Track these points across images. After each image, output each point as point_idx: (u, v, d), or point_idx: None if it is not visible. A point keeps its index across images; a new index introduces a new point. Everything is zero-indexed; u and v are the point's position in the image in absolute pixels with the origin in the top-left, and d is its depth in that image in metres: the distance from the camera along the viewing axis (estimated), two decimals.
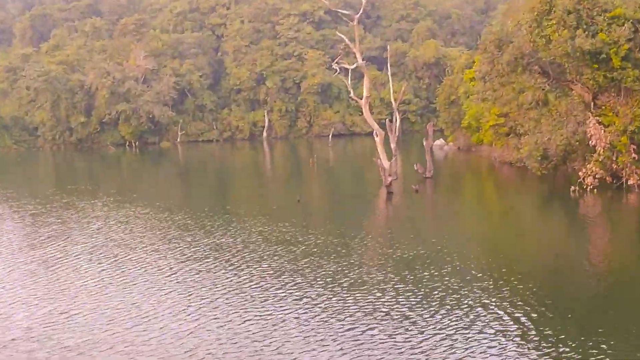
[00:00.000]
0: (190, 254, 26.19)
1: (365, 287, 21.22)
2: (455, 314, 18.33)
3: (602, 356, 15.14)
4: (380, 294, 20.38)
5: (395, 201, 41.32)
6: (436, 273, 22.70)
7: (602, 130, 38.64)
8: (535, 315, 18.05)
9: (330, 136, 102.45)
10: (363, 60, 49.59)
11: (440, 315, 18.22)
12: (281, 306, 19.15)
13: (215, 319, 18.29)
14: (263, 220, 34.30)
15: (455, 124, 78.79)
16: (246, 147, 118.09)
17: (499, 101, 57.16)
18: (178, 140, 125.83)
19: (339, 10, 56.68)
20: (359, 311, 18.67)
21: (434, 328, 17.23)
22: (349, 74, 51.91)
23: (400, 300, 19.75)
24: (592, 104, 40.41)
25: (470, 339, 16.31)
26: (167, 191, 50.80)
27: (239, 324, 17.80)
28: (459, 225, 32.38)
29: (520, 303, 18.98)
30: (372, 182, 50.86)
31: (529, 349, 15.74)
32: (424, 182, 49.55)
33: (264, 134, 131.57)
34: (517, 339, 16.37)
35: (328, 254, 25.13)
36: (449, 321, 17.73)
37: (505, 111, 57.94)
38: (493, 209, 37.37)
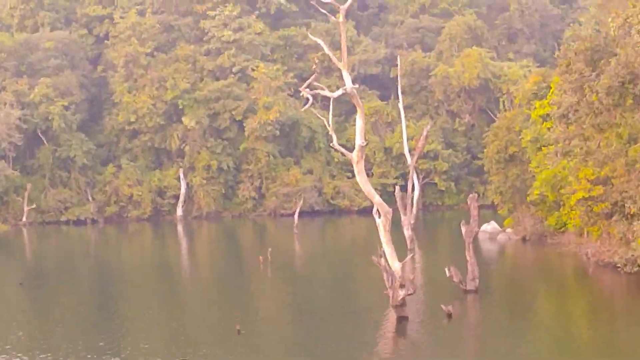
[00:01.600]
0: None
1: None
2: None
3: None
4: None
5: (412, 335, 40.93)
6: None
7: None
8: None
9: (296, 215, 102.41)
10: (355, 82, 50.15)
11: None
12: None
13: None
14: None
15: (517, 197, 79.33)
16: (146, 233, 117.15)
17: (593, 157, 57.77)
18: (24, 219, 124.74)
19: None
20: None
21: None
22: (331, 106, 52.00)
23: None
24: None
25: None
26: None
27: None
28: None
29: None
30: (371, 300, 50.24)
31: None
32: (462, 299, 49.22)
33: (179, 209, 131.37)
34: None
35: None
36: None
37: (605, 175, 58.44)
38: (586, 352, 37.05)
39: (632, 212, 52.12)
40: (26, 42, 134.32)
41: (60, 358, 36.63)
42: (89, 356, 37.01)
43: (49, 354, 37.41)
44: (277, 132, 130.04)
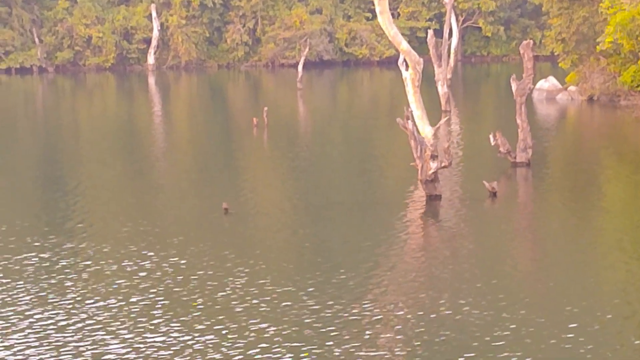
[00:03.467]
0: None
1: None
2: None
3: None
4: None
5: (444, 219, 41.26)
6: None
7: None
8: None
9: (300, 66, 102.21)
10: None
11: None
12: None
13: None
14: (144, 258, 34.28)
15: (585, 45, 79.13)
16: (109, 86, 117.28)
17: None
18: None
19: None
20: None
21: None
22: None
23: None
24: None
25: None
26: None
27: None
28: (584, 281, 32.12)
29: None
30: (394, 173, 50.86)
31: None
32: (511, 174, 49.68)
33: (150, 57, 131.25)
34: None
35: None
36: None
37: None
38: None
39: None
40: None
41: (9, 246, 37.04)
42: (42, 241, 37.38)
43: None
44: None
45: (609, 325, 26.22)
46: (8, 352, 24.67)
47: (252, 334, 25.44)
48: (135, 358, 24.10)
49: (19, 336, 25.88)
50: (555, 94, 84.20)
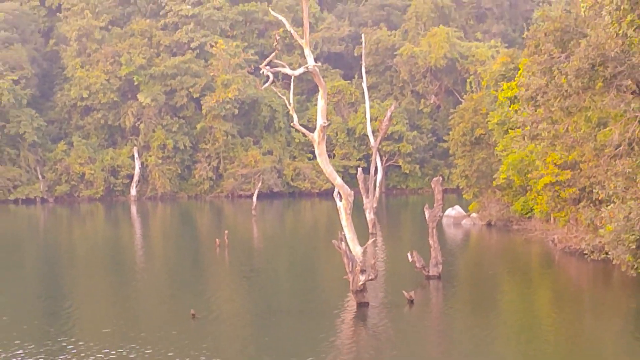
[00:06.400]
0: None
1: None
2: None
3: None
4: None
5: (372, 322, 40.98)
6: None
7: None
8: None
9: (254, 197, 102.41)
10: (317, 60, 50.06)
11: None
12: None
13: None
14: (125, 357, 33.76)
15: (483, 181, 79.87)
16: (98, 213, 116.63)
17: (561, 141, 58.13)
18: None
19: None
20: None
21: None
22: (292, 84, 52.00)
23: None
24: None
25: None
26: None
27: None
28: None
29: None
30: (331, 285, 50.38)
31: None
32: (425, 285, 49.38)
33: (132, 190, 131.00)
34: None
35: None
36: None
37: (572, 160, 58.88)
38: (549, 340, 37.29)
39: (600, 198, 52.38)
40: None
41: (12, 345, 36.37)
42: (37, 343, 36.79)
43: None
44: (236, 111, 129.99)
45: None
46: None
47: None
48: None
49: None
50: (461, 219, 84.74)
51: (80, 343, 36.36)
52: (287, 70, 49.09)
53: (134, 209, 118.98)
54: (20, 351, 34.85)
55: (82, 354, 34.34)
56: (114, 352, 34.39)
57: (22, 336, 37.95)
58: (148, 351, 34.50)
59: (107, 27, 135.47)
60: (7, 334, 38.37)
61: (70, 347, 35.76)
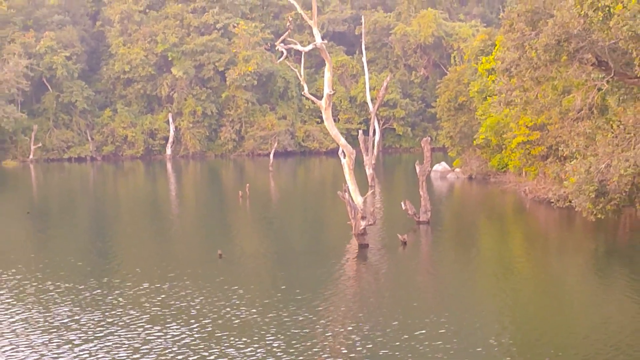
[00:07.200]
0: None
1: None
2: None
3: None
4: None
5: (371, 260, 41.10)
6: None
7: None
8: None
9: (271, 155, 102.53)
10: (324, 38, 49.71)
11: None
12: None
13: None
14: (161, 289, 33.90)
15: (465, 141, 79.67)
16: (139, 170, 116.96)
17: (531, 107, 57.87)
18: (31, 157, 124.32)
19: None
20: None
21: None
22: (302, 59, 51.83)
23: None
24: None
25: None
26: (4, 246, 49.98)
27: None
28: (469, 300, 32.19)
29: None
30: (336, 229, 50.59)
31: None
32: (416, 229, 49.54)
33: (168, 149, 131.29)
34: None
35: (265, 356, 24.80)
36: None
37: (541, 122, 58.73)
38: (522, 275, 37.47)
39: (564, 155, 52.31)
40: (32, 0, 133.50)
41: (63, 279, 36.53)
42: (88, 277, 36.97)
43: (54, 275, 37.38)
44: (255, 82, 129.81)
45: (483, 327, 26.22)
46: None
47: (255, 330, 25.13)
48: None
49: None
50: (446, 173, 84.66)
51: (123, 279, 36.52)
52: (299, 47, 48.87)
53: (169, 166, 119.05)
54: (71, 284, 35.00)
55: (125, 287, 34.52)
56: (153, 286, 34.53)
57: (74, 270, 38.15)
58: (181, 284, 34.64)
59: (145, 11, 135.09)
60: (57, 269, 38.54)
61: (116, 280, 35.98)
